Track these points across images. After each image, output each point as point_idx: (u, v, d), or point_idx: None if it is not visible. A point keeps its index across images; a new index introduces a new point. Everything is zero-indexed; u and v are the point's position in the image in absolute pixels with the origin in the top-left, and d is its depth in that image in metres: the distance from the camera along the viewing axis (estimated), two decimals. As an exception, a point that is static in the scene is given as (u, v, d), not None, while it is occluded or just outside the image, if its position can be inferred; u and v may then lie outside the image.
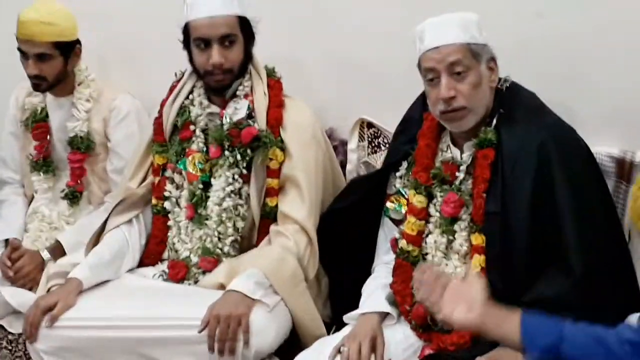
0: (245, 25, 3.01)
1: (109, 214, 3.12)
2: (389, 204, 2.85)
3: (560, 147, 2.52)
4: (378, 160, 3.29)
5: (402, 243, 2.73)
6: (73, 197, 3.52)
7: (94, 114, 3.53)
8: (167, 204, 3.10)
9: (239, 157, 2.99)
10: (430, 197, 2.71)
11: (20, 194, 3.68)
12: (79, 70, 3.53)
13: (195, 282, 2.99)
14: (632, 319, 2.39)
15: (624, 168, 2.83)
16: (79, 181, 3.53)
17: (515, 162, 2.53)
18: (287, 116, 3.06)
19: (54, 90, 3.50)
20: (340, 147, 3.39)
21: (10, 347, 3.12)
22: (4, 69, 3.78)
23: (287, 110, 3.08)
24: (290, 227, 2.96)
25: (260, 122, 3.01)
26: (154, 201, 3.13)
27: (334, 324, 2.95)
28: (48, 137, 3.58)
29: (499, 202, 2.52)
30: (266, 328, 2.73)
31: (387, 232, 2.88)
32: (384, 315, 2.71)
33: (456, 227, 2.63)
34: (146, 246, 3.14)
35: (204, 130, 3.08)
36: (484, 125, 2.61)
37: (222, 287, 2.86)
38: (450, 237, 2.65)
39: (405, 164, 2.82)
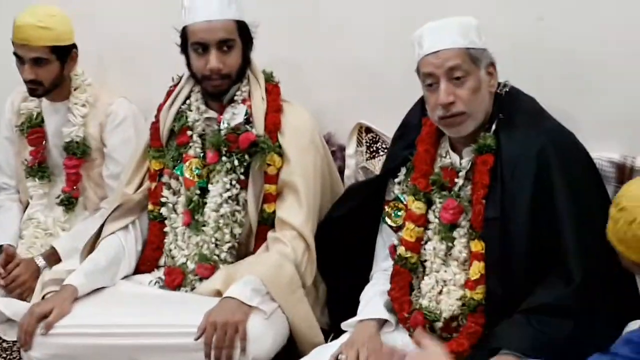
0: (243, 30, 2.99)
1: (105, 220, 3.10)
2: (387, 211, 2.83)
3: (559, 152, 2.51)
4: (376, 165, 3.28)
5: (401, 250, 2.71)
6: (69, 203, 3.51)
7: (90, 119, 3.52)
8: (163, 210, 3.08)
9: (236, 162, 2.97)
10: (429, 203, 2.69)
11: (16, 199, 3.67)
12: (75, 75, 3.52)
13: (192, 289, 2.97)
14: (632, 326, 2.37)
15: (624, 173, 2.82)
16: (74, 187, 3.52)
17: (514, 167, 2.51)
18: (285, 121, 3.05)
19: (50, 95, 3.49)
20: (338, 152, 3.39)
21: (4, 355, 3.10)
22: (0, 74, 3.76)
23: (285, 115, 3.06)
24: (288, 233, 2.94)
25: (258, 128, 3.00)
26: (150, 207, 3.11)
27: (331, 331, 2.94)
28: (44, 142, 3.57)
29: (499, 208, 2.51)
30: (263, 335, 2.71)
31: (385, 238, 2.86)
32: (383, 322, 2.70)
33: (455, 233, 2.61)
34: (142, 252, 3.12)
35: (201, 136, 3.07)
36: (483, 131, 2.59)
37: (219, 294, 2.83)
38: (450, 244, 2.63)
39: (404, 170, 2.80)
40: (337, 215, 3.01)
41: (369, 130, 3.34)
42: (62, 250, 3.33)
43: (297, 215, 2.96)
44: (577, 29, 2.93)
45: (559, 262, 2.43)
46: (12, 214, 3.61)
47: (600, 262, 2.40)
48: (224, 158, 2.99)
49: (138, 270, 3.10)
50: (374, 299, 2.75)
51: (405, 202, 2.76)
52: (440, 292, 2.61)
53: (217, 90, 2.99)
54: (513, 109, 2.61)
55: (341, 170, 3.35)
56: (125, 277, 3.05)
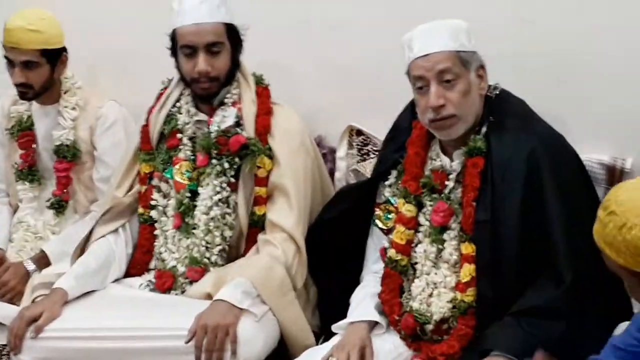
0: (232, 33, 2.99)
1: (95, 223, 3.09)
2: (378, 213, 2.83)
3: (549, 155, 2.52)
4: (367, 168, 3.27)
5: (391, 252, 2.71)
6: (59, 206, 3.50)
7: (80, 122, 3.51)
8: (153, 213, 3.07)
9: (226, 165, 2.97)
10: (419, 206, 2.69)
11: (5, 203, 3.65)
12: (66, 78, 3.51)
13: (182, 292, 2.97)
14: (622, 327, 2.37)
15: (614, 175, 2.84)
16: (64, 190, 3.51)
17: (505, 170, 2.52)
18: (276, 123, 3.05)
19: (40, 98, 3.47)
20: (329, 155, 3.38)
21: (-6, 359, 3.09)
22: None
23: (275, 117, 3.06)
24: (278, 235, 2.94)
25: (249, 130, 3.00)
26: (140, 210, 3.10)
27: (322, 333, 2.94)
28: (34, 145, 3.56)
29: (489, 211, 2.52)
30: (254, 338, 2.70)
31: (376, 241, 2.87)
32: (373, 325, 2.70)
33: (446, 236, 2.62)
34: (133, 256, 3.11)
35: (191, 139, 3.06)
36: (474, 133, 2.60)
37: (209, 296, 2.83)
38: (440, 246, 2.63)
39: (394, 173, 2.81)
40: (327, 218, 3.01)
41: (359, 132, 3.35)
42: (51, 253, 3.31)
43: (288, 217, 2.96)
44: (567, 31, 2.94)
45: (549, 264, 2.43)
46: (2, 218, 3.58)
47: (590, 264, 2.40)
48: (214, 161, 2.99)
49: (128, 274, 3.09)
50: (364, 301, 2.75)
51: (395, 205, 2.76)
52: (430, 295, 2.61)
53: (206, 93, 2.99)
54: (503, 112, 2.62)
55: (332, 173, 3.35)
56: (116, 280, 3.04)
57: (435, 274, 2.62)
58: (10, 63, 3.37)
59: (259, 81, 3.11)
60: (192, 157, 3.05)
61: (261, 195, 3.00)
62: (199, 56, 2.92)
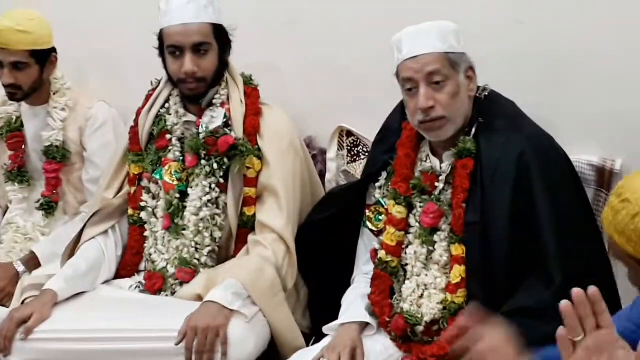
0: (219, 33, 2.98)
1: (84, 224, 3.09)
2: (368, 215, 2.83)
3: (539, 156, 2.52)
4: (357, 168, 3.27)
5: (381, 253, 2.72)
6: (48, 207, 3.48)
7: (69, 123, 3.50)
8: (143, 214, 3.07)
9: (215, 165, 2.97)
10: (409, 207, 2.70)
11: (-6, 204, 3.65)
12: (55, 79, 3.50)
13: (172, 293, 2.96)
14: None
15: (603, 176, 2.84)
16: (54, 191, 3.50)
17: (494, 171, 2.52)
18: (264, 124, 3.04)
19: (29, 98, 3.46)
20: (319, 156, 3.38)
21: (-17, 360, 3.08)
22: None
23: (264, 117, 3.06)
24: (268, 236, 2.94)
25: (237, 130, 2.99)
26: (130, 211, 3.10)
27: (313, 334, 2.94)
28: (23, 146, 3.55)
29: (478, 212, 2.52)
30: (244, 339, 2.70)
31: (366, 242, 2.87)
32: (364, 326, 2.70)
33: (436, 237, 2.63)
34: (122, 257, 3.11)
35: (180, 139, 3.06)
36: (463, 134, 2.60)
37: (199, 298, 2.82)
38: (430, 248, 2.64)
39: (384, 174, 2.81)
40: (317, 219, 3.01)
41: (349, 133, 3.34)
42: (41, 254, 3.30)
43: (277, 218, 2.95)
44: (557, 32, 2.93)
45: (538, 265, 2.43)
46: (-9, 219, 3.59)
47: (580, 265, 2.42)
48: (202, 161, 2.99)
49: (118, 275, 3.08)
50: (355, 302, 2.75)
51: (385, 206, 2.76)
52: (421, 296, 2.62)
53: (193, 94, 2.98)
54: (492, 113, 2.62)
55: (322, 174, 3.34)
56: (105, 281, 3.04)
57: (426, 275, 2.63)
58: (-1, 64, 3.37)
59: (247, 81, 3.11)
60: (181, 157, 3.04)
61: (250, 196, 3.00)
62: (185, 56, 2.91)
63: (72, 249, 3.07)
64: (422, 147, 2.73)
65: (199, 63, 2.93)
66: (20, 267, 3.28)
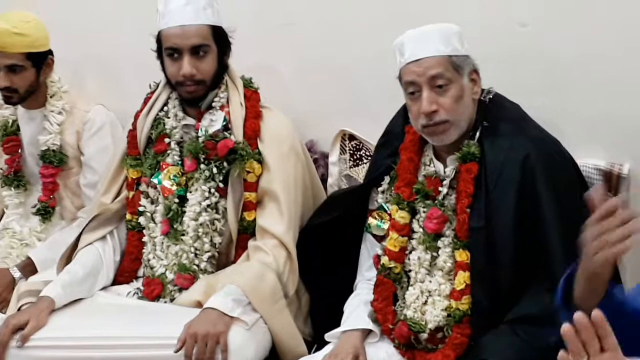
0: (219, 35, 2.96)
1: (82, 230, 3.06)
2: (371, 220, 2.81)
3: (544, 160, 2.50)
4: (360, 173, 3.26)
5: (385, 260, 2.69)
6: (45, 212, 3.47)
7: (66, 127, 3.49)
8: (141, 219, 3.04)
9: (215, 170, 2.94)
10: (413, 212, 2.67)
11: (-10, 209, 3.63)
12: (52, 82, 3.49)
13: (172, 299, 2.93)
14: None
15: (611, 181, 2.82)
16: (51, 196, 3.49)
17: (499, 176, 2.50)
18: (265, 127, 3.02)
19: (26, 102, 3.46)
20: (321, 160, 3.37)
21: (-22, 368, 3.05)
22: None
23: (264, 121, 3.04)
24: (269, 241, 2.91)
25: (237, 134, 2.97)
26: (128, 216, 3.07)
27: (315, 342, 2.91)
28: (19, 150, 3.54)
29: (483, 217, 2.50)
30: (245, 346, 2.67)
31: (369, 248, 2.84)
32: (367, 333, 2.67)
33: (440, 243, 2.60)
34: (120, 263, 3.08)
35: (179, 143, 3.03)
36: (467, 138, 2.58)
37: (199, 304, 2.80)
38: (434, 254, 2.61)
39: (387, 179, 2.78)
40: (318, 223, 2.98)
41: (352, 137, 3.32)
42: (38, 260, 3.29)
43: (278, 223, 2.93)
44: (561, 35, 2.92)
45: (544, 272, 2.41)
46: (-13, 224, 3.57)
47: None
48: (202, 166, 2.96)
49: (116, 281, 3.06)
50: (357, 309, 2.73)
51: (389, 212, 2.74)
52: (425, 303, 2.59)
53: (192, 97, 2.96)
54: (497, 117, 2.60)
55: (324, 178, 3.33)
56: (103, 288, 3.01)
57: (430, 281, 2.60)
58: (-5, 67, 3.34)
59: (248, 84, 3.08)
60: (180, 162, 3.01)
61: (251, 201, 2.97)
62: (183, 59, 2.89)
63: (69, 255, 3.04)
64: (426, 152, 2.70)
65: (198, 65, 2.90)
66: (16, 274, 3.27)
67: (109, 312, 2.85)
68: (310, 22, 3.39)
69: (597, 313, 1.65)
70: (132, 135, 3.10)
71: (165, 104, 3.08)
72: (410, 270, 2.65)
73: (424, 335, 2.55)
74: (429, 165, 2.67)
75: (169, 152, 3.03)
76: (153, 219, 3.03)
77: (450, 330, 2.52)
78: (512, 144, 2.52)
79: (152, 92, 3.13)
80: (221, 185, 2.95)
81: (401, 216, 2.66)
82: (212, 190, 2.95)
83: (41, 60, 3.39)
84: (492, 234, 2.47)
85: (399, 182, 2.70)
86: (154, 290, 2.94)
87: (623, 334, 1.65)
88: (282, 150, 3.01)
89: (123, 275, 3.06)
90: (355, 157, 3.31)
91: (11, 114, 3.54)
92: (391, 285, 2.67)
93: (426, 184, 2.64)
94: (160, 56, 2.98)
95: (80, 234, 3.04)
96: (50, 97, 3.48)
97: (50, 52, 3.43)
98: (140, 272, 3.06)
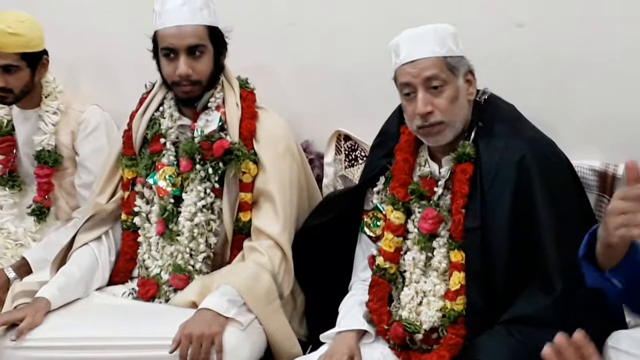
0: (215, 36, 2.95)
1: (77, 230, 3.05)
2: (366, 220, 2.80)
3: (540, 161, 2.50)
4: (355, 173, 3.26)
5: (380, 260, 2.69)
6: (40, 213, 3.48)
7: (61, 127, 3.48)
8: (137, 220, 3.03)
9: (210, 170, 2.94)
10: (408, 213, 2.67)
11: (-15, 209, 3.62)
12: (47, 82, 3.49)
13: (167, 300, 2.93)
14: (615, 336, 2.35)
15: (606, 182, 2.82)
16: (46, 196, 3.49)
17: (494, 176, 2.50)
18: (261, 128, 3.02)
19: (21, 102, 3.46)
20: (316, 161, 3.37)
21: (-29, 369, 3.04)
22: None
23: (260, 122, 3.03)
24: (265, 242, 2.91)
25: (233, 135, 2.96)
26: (123, 217, 3.07)
27: (310, 343, 2.91)
28: (14, 150, 3.54)
29: (478, 218, 2.49)
30: (240, 347, 2.67)
31: (364, 248, 2.84)
32: (362, 334, 2.67)
33: (435, 243, 2.59)
34: (116, 263, 3.07)
35: (174, 143, 3.03)
36: (463, 139, 2.58)
37: (194, 305, 2.79)
38: (429, 254, 2.61)
39: (382, 179, 2.78)
40: (314, 224, 2.98)
41: (347, 138, 3.33)
42: (33, 261, 3.28)
43: (274, 224, 2.93)
44: (557, 35, 2.92)
45: (539, 273, 2.41)
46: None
47: (581, 274, 2.37)
48: (198, 166, 2.95)
49: (111, 282, 3.05)
50: (352, 310, 2.72)
51: (384, 212, 2.74)
52: (420, 303, 2.59)
53: (188, 97, 2.95)
54: (492, 117, 2.60)
55: (319, 179, 3.33)
56: (99, 288, 3.00)
57: (425, 282, 2.60)
58: (-11, 67, 3.34)
59: (243, 85, 3.08)
60: (176, 162, 3.01)
61: (246, 201, 2.96)
62: (179, 59, 2.88)
63: (63, 256, 3.03)
64: (421, 152, 2.70)
65: (194, 66, 2.90)
66: (11, 274, 3.26)
67: (104, 313, 2.84)
68: (307, 23, 3.39)
69: (579, 334, 1.65)
70: (127, 135, 3.10)
71: (161, 104, 3.07)
72: (405, 271, 2.65)
73: (419, 336, 2.55)
74: (424, 166, 2.67)
75: (164, 152, 3.02)
76: (148, 219, 3.03)
77: (445, 330, 2.51)
78: (508, 145, 2.52)
79: (148, 92, 3.12)
80: (217, 185, 2.95)
81: (396, 217, 2.66)
82: (208, 190, 2.94)
83: (36, 60, 3.38)
84: (487, 235, 2.47)
85: (394, 182, 2.69)
86: (149, 291, 2.94)
87: None
88: (277, 151, 3.00)
89: (118, 275, 3.05)
90: (350, 157, 3.32)
91: (6, 114, 3.54)
92: (386, 286, 2.67)
93: (421, 185, 2.64)
94: (156, 56, 2.97)
95: (75, 234, 3.04)
96: (45, 97, 3.48)
97: (45, 52, 3.43)
98: (136, 273, 3.05)
